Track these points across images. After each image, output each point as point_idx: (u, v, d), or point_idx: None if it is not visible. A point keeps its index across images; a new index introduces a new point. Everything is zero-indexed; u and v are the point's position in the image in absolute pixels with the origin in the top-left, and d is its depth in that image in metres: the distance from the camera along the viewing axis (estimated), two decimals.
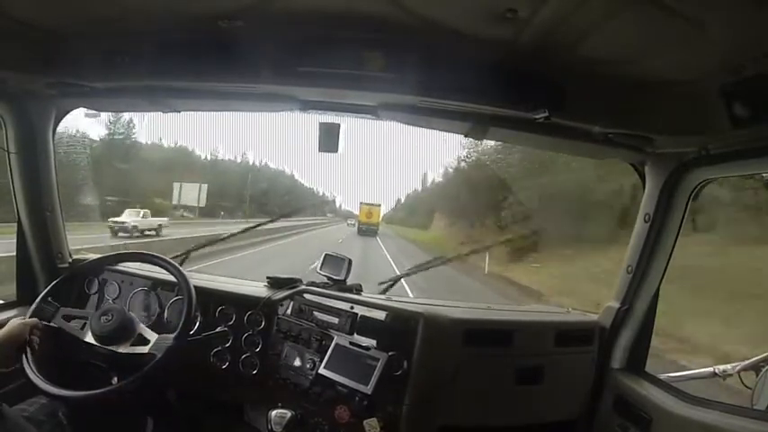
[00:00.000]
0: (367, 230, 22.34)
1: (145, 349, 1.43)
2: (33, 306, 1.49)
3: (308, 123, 1.70)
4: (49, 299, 1.53)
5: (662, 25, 0.96)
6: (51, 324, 1.47)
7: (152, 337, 1.46)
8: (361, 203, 23.11)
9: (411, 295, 3.88)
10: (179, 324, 1.49)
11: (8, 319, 1.40)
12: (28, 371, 1.36)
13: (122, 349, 1.43)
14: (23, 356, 1.37)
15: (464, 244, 14.26)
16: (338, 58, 1.26)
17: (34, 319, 1.42)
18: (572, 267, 10.43)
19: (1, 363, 1.32)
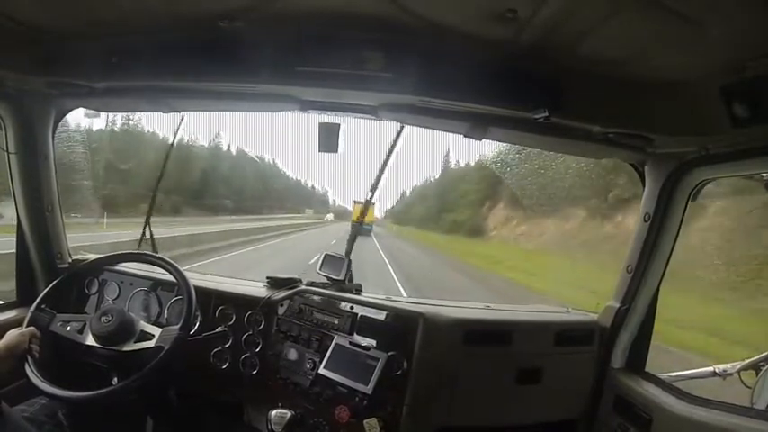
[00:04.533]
0: (361, 231, 22.23)
1: (151, 343, 1.44)
2: (28, 315, 1.49)
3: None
4: (44, 306, 1.53)
5: (662, 25, 0.96)
6: (50, 329, 1.47)
7: (155, 331, 1.47)
8: (354, 202, 22.76)
9: (405, 295, 3.81)
10: (179, 323, 1.49)
11: (8, 319, 1.40)
12: (30, 374, 1.37)
13: (127, 347, 1.44)
14: (26, 364, 1.38)
15: None
16: (338, 58, 1.26)
17: (31, 329, 1.43)
18: None
19: (5, 373, 1.34)
